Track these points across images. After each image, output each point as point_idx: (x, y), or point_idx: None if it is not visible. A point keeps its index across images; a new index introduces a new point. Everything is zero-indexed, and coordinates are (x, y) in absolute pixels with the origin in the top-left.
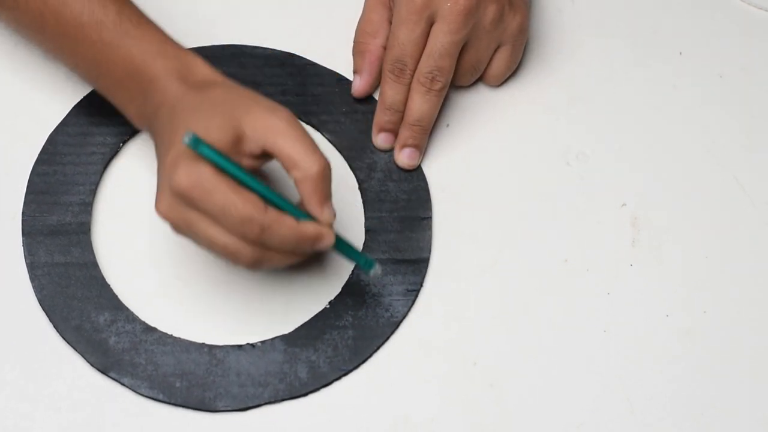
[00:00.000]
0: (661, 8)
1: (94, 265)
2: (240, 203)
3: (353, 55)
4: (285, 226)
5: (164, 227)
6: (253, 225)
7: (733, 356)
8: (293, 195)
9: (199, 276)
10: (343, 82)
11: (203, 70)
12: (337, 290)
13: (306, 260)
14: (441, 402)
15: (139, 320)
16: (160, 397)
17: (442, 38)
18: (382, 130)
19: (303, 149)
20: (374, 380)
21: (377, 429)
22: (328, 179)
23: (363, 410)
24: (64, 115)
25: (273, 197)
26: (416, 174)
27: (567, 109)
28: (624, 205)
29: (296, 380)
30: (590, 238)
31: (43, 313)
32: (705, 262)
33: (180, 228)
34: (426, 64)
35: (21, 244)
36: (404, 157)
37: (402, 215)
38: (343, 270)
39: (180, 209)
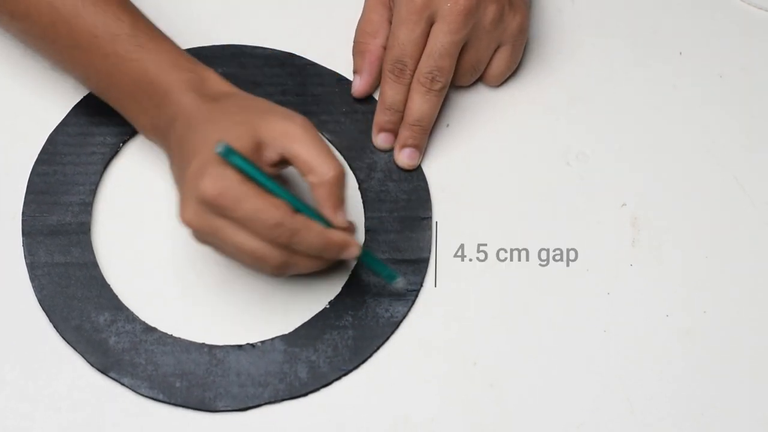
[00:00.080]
0: (661, 8)
1: (94, 265)
2: (270, 209)
3: (353, 55)
4: (313, 231)
5: (164, 227)
6: (284, 229)
7: (733, 356)
8: (308, 201)
9: (199, 276)
10: (343, 82)
11: (217, 82)
12: (337, 290)
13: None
14: (441, 402)
15: (139, 320)
16: (160, 397)
17: (442, 38)
18: (382, 130)
19: (319, 155)
20: (374, 380)
21: (377, 429)
22: (343, 185)
23: (363, 410)
24: (64, 115)
25: (299, 204)
26: (416, 174)
27: (567, 109)
28: (624, 205)
29: (296, 380)
30: (590, 238)
31: (43, 313)
32: (705, 262)
33: (205, 235)
34: (426, 64)
35: (21, 244)
36: (404, 157)
37: (402, 215)
38: (343, 270)
39: (206, 217)
